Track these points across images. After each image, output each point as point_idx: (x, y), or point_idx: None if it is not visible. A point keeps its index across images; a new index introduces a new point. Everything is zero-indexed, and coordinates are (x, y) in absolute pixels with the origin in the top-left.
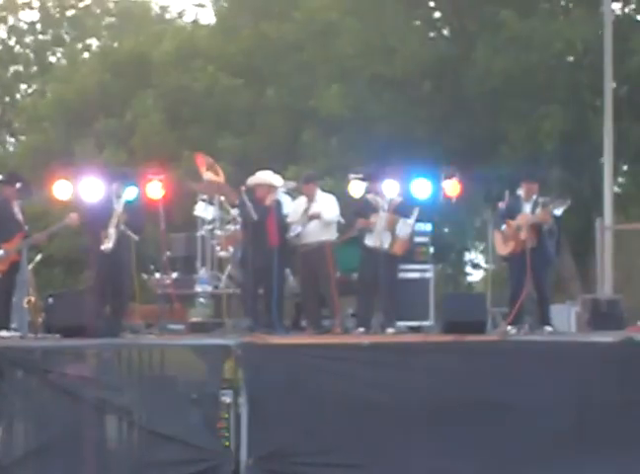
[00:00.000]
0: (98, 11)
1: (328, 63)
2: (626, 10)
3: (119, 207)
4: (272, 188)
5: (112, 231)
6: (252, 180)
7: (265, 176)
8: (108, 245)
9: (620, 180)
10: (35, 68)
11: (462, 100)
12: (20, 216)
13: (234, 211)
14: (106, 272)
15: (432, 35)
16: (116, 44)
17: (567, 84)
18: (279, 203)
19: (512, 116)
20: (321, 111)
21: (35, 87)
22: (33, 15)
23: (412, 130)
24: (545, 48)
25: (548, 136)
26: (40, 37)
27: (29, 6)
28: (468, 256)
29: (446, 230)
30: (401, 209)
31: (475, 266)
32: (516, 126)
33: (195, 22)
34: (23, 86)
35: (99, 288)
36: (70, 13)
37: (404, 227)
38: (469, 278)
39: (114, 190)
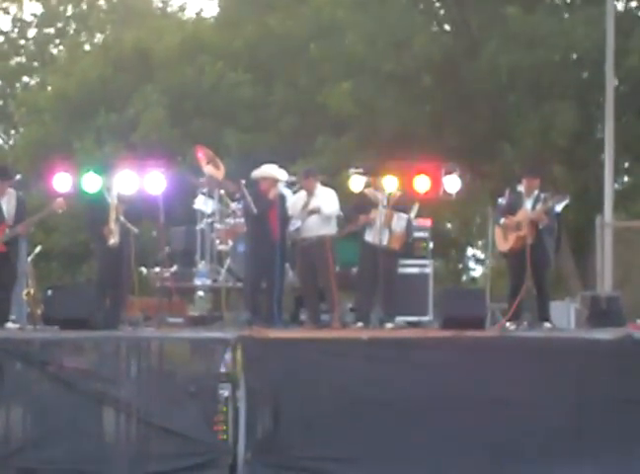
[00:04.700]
0: (101, 2)
1: (335, 60)
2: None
3: (113, 200)
4: (275, 181)
5: (113, 226)
6: (256, 173)
7: (269, 169)
8: (114, 240)
9: (625, 178)
10: (37, 61)
11: (464, 95)
12: (2, 207)
13: (234, 205)
14: (107, 265)
15: (435, 29)
16: (118, 38)
17: (571, 81)
18: (282, 197)
19: (515, 112)
20: (331, 108)
21: (36, 79)
22: (37, 8)
23: (414, 126)
24: (550, 46)
25: (562, 133)
26: (45, 30)
27: None
28: (471, 251)
29: (448, 225)
30: (400, 205)
31: (478, 261)
32: (519, 123)
33: (198, 15)
34: (25, 79)
35: (99, 281)
36: (74, 7)
37: (399, 221)
38: (473, 273)
39: (104, 183)
